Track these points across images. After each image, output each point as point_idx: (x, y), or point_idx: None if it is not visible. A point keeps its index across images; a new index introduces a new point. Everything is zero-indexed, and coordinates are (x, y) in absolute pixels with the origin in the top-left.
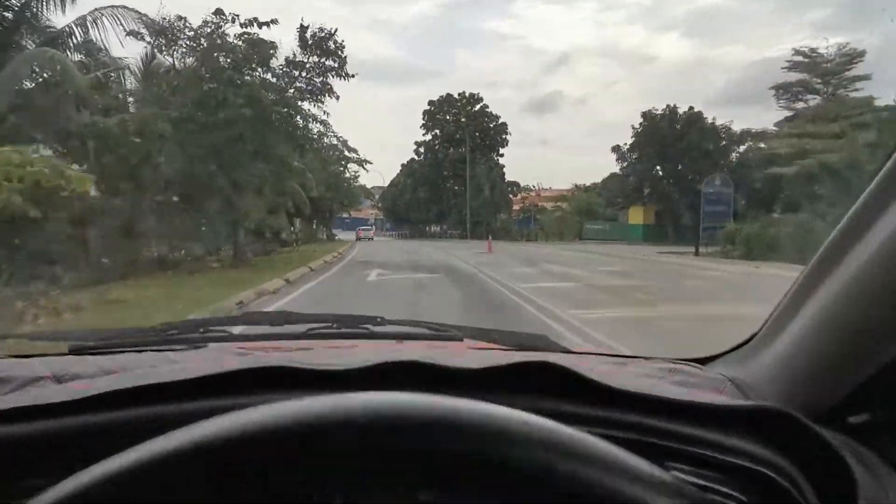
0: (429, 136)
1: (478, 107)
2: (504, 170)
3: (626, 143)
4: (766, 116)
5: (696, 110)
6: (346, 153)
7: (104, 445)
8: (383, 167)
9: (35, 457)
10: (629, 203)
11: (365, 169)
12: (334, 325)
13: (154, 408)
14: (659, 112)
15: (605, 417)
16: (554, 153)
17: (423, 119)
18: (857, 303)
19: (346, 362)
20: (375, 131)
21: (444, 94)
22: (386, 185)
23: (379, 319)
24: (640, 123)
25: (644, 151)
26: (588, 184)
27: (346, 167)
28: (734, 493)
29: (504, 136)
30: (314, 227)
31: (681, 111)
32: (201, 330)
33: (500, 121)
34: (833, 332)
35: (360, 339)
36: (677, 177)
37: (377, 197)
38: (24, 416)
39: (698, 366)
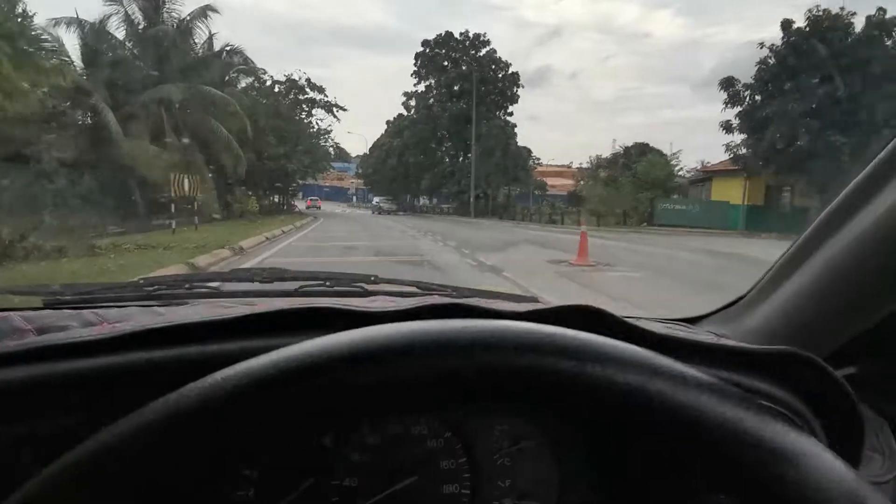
0: (422, 87)
1: (484, 51)
2: (516, 129)
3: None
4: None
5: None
6: (308, 91)
7: (134, 387)
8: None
9: (59, 396)
10: (746, 171)
11: (335, 117)
12: (327, 283)
13: (176, 349)
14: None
15: None
16: (544, 129)
17: (415, 64)
18: (845, 270)
19: (376, 306)
20: (364, 101)
21: (443, 32)
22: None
23: (373, 278)
24: (773, 47)
25: (781, 89)
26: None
27: (308, 111)
28: None
29: (515, 90)
30: (261, 195)
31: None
32: (186, 286)
33: (511, 69)
34: (821, 295)
35: (352, 297)
36: (842, 127)
37: (356, 160)
38: (51, 354)
39: (688, 325)
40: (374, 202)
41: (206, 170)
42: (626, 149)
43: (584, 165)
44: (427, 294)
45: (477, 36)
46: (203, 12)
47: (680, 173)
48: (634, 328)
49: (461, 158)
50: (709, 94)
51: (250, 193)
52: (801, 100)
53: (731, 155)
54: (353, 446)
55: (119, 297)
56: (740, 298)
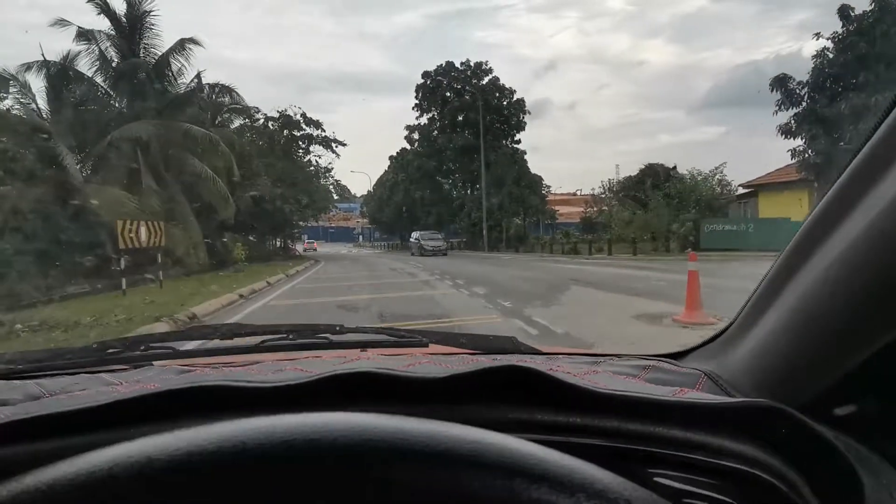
0: (424, 119)
1: (486, 79)
2: (526, 157)
3: (794, 79)
4: (752, 118)
5: None
6: (305, 127)
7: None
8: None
9: None
10: (818, 179)
11: (334, 152)
12: (290, 336)
13: (59, 440)
14: None
15: (583, 425)
16: (545, 159)
17: (416, 96)
18: (832, 293)
19: (293, 377)
20: (367, 144)
21: (444, 62)
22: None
23: (338, 328)
24: (836, 36)
25: (850, 81)
26: (582, 190)
27: (306, 148)
28: (726, 500)
29: (522, 117)
30: (256, 240)
31: None
32: (142, 347)
33: (516, 97)
34: (811, 322)
35: (318, 349)
36: None
37: (361, 199)
38: None
39: (672, 361)
40: (413, 238)
41: (191, 216)
42: (649, 167)
43: (596, 191)
44: (390, 346)
45: (479, 64)
46: (182, 45)
47: (727, 189)
48: (572, 388)
49: (469, 190)
50: (704, 116)
51: (237, 240)
52: (877, 90)
53: (799, 162)
54: None
55: (73, 364)
56: (726, 329)
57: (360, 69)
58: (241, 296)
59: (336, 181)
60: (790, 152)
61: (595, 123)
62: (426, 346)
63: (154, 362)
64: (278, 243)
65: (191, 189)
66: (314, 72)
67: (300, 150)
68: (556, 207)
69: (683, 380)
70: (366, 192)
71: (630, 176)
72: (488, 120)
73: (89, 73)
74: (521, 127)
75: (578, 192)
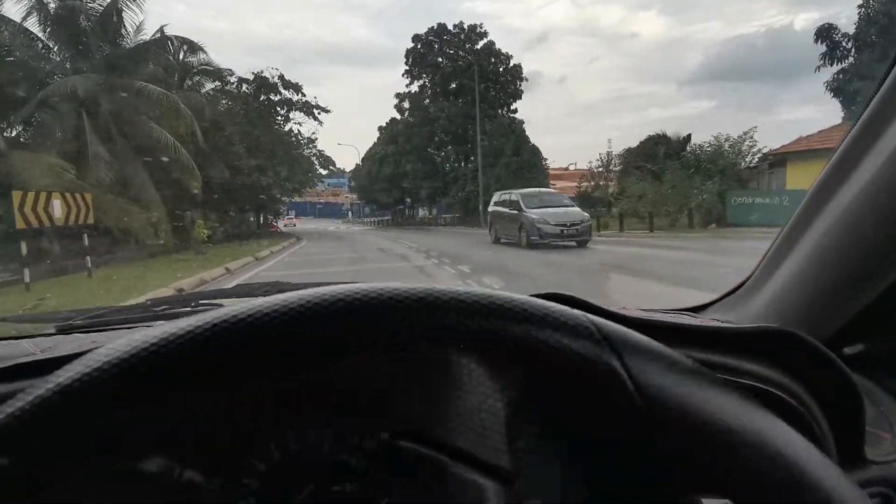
0: (415, 87)
1: (481, 43)
2: (524, 126)
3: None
4: (742, 92)
5: None
6: (283, 91)
7: None
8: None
9: None
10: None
11: (317, 119)
12: None
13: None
14: None
15: None
16: (535, 135)
17: (406, 62)
18: (842, 242)
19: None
20: (354, 118)
21: (435, 24)
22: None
23: None
24: None
25: None
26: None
27: (285, 115)
28: None
29: (519, 84)
30: (230, 216)
31: None
32: (192, 304)
33: (513, 62)
34: (821, 271)
35: None
36: None
37: (349, 174)
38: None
39: (692, 314)
40: (501, 207)
41: (151, 188)
42: (661, 135)
43: (593, 163)
44: None
45: (472, 27)
46: None
47: (759, 156)
48: (612, 313)
49: (464, 163)
50: (695, 90)
51: (201, 217)
52: None
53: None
54: (350, 451)
55: (127, 320)
56: (744, 282)
57: (347, 41)
58: (181, 290)
59: (320, 151)
60: (844, 113)
61: (585, 98)
62: None
63: None
64: (260, 219)
65: (150, 158)
66: (300, 43)
67: (279, 118)
68: (552, 182)
69: None
70: (354, 167)
71: (630, 148)
72: (483, 87)
73: (18, 18)
74: (517, 95)
75: (571, 167)
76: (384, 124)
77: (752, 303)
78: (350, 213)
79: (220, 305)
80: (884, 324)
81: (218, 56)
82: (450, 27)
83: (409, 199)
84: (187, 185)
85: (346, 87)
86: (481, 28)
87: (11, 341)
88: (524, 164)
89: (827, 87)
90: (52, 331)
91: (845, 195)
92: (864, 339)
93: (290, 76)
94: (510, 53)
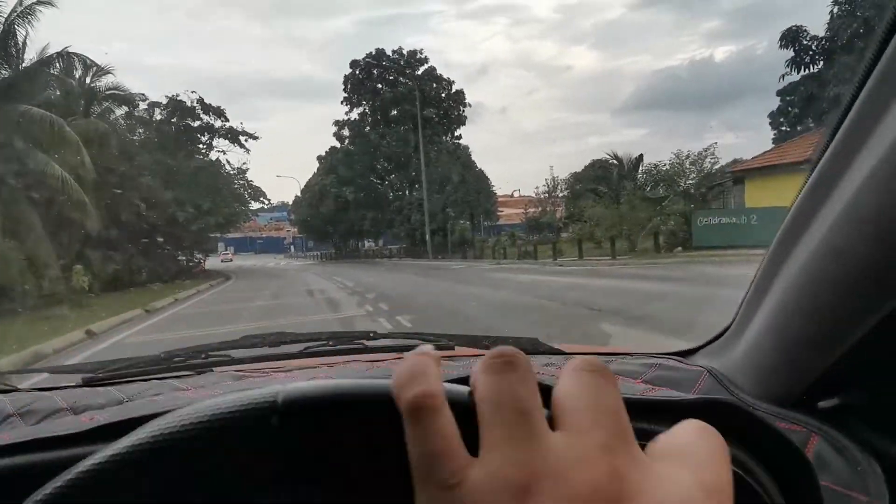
0: (355, 114)
1: (422, 69)
2: (470, 152)
3: (808, 32)
4: (673, 121)
5: None
6: (204, 116)
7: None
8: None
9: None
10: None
11: (242, 146)
12: (330, 342)
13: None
14: None
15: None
16: (479, 163)
17: (345, 88)
18: (812, 289)
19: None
20: (300, 151)
21: (374, 49)
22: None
23: (372, 334)
24: None
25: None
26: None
27: (208, 143)
28: None
29: (462, 110)
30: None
31: None
32: (203, 356)
33: (455, 87)
34: (794, 319)
35: (355, 353)
36: None
37: (290, 206)
38: (37, 447)
39: (680, 359)
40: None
41: (37, 227)
42: (612, 157)
43: (540, 188)
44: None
45: (413, 53)
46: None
47: (721, 172)
48: (548, 390)
49: (408, 191)
50: (628, 119)
51: (105, 259)
52: None
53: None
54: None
55: (145, 372)
56: (729, 326)
57: (291, 75)
58: None
59: (248, 181)
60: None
61: (526, 127)
62: (452, 349)
63: (214, 368)
64: (183, 259)
65: (37, 195)
66: (242, 77)
67: (201, 146)
68: (498, 209)
69: (688, 377)
70: (294, 199)
71: (576, 172)
72: (426, 113)
73: None
74: (461, 121)
75: (516, 194)
76: (324, 153)
77: (735, 349)
78: (292, 247)
79: (229, 357)
80: (860, 376)
81: (155, 92)
82: (388, 52)
83: (354, 231)
84: (80, 223)
85: (292, 120)
86: (421, 54)
87: (44, 392)
88: (471, 190)
89: (798, 96)
90: (79, 382)
91: (811, 239)
92: (840, 392)
93: (234, 110)
94: (452, 79)
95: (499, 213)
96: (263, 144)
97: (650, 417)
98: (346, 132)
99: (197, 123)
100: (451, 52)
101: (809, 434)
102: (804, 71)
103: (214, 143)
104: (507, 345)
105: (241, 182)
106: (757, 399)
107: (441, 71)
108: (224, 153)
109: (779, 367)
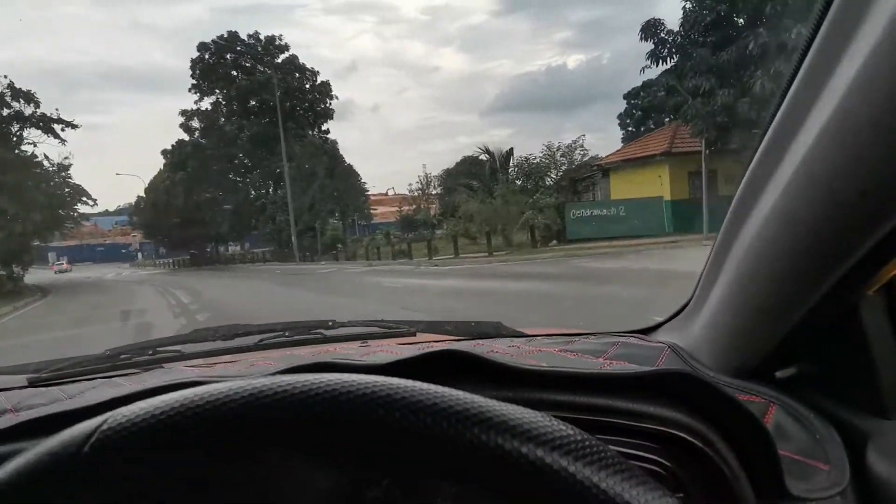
0: (206, 104)
1: (282, 57)
2: (338, 146)
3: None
4: (535, 122)
5: None
6: (12, 103)
7: None
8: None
9: None
10: (708, 145)
11: (58, 137)
12: (286, 334)
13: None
14: None
15: (515, 398)
16: (353, 161)
17: (192, 74)
18: (766, 256)
19: (268, 370)
20: (148, 148)
21: (226, 32)
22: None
23: (331, 323)
24: None
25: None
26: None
27: (17, 134)
28: (658, 459)
29: (329, 103)
30: None
31: None
32: (150, 352)
33: (320, 79)
34: (748, 291)
35: (312, 344)
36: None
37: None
38: None
39: (642, 336)
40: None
41: None
42: (484, 151)
43: (414, 186)
44: (379, 337)
45: (271, 39)
46: None
47: (591, 163)
48: (509, 369)
49: (273, 189)
50: (495, 119)
51: None
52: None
53: (690, 126)
54: None
55: (91, 371)
56: (688, 302)
57: (139, 64)
58: None
59: (64, 178)
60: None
61: (399, 125)
62: (413, 335)
63: (163, 365)
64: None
65: None
66: (82, 67)
67: (14, 138)
68: (372, 207)
69: (649, 352)
70: (136, 199)
71: (448, 169)
72: (289, 105)
73: None
74: (329, 114)
75: (391, 191)
76: (170, 147)
77: (694, 325)
78: (140, 254)
79: (179, 353)
80: (814, 345)
81: None
82: (243, 36)
83: (212, 234)
84: None
85: (141, 114)
86: (281, 40)
87: None
88: (339, 187)
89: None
90: (25, 383)
91: (762, 209)
92: (796, 362)
93: (72, 103)
94: (317, 70)
95: (374, 212)
96: (108, 140)
97: (611, 392)
98: (195, 124)
99: (7, 112)
100: (318, 47)
101: (768, 404)
102: (662, 65)
103: (25, 133)
104: (470, 329)
105: (59, 180)
106: (717, 372)
107: (309, 66)
108: (35, 145)
109: (736, 338)
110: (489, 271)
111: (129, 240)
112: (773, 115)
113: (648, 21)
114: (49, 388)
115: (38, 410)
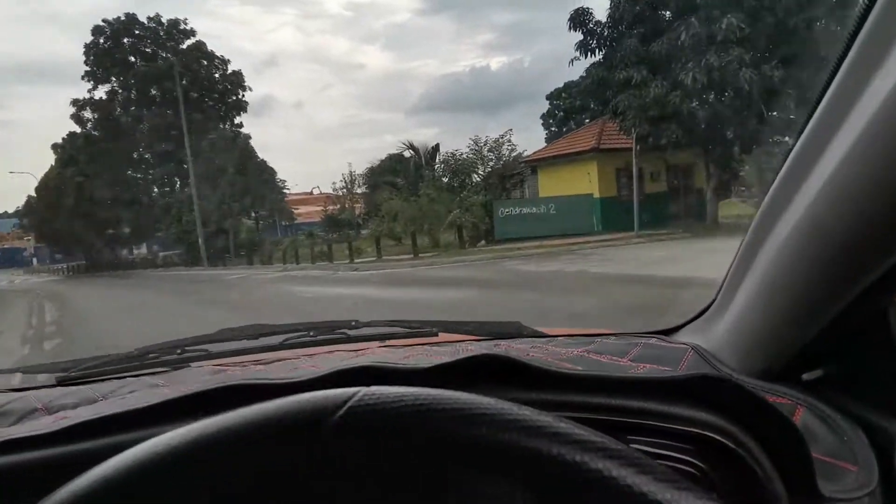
0: (101, 92)
1: (187, 43)
2: (251, 141)
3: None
4: (460, 122)
5: None
6: None
7: (75, 474)
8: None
9: (15, 486)
10: (639, 142)
11: None
12: (310, 333)
13: (125, 435)
14: None
15: (550, 401)
16: (276, 160)
17: (86, 60)
18: (793, 265)
19: (307, 374)
20: (45, 142)
21: (123, 14)
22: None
23: (354, 323)
24: None
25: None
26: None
27: None
28: (691, 460)
29: (242, 95)
30: None
31: None
32: (178, 351)
33: (231, 68)
34: (776, 295)
35: (336, 344)
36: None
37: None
38: (14, 447)
39: (664, 337)
40: None
41: None
42: (411, 147)
43: (338, 184)
44: (402, 336)
45: (174, 22)
46: None
47: (519, 160)
48: (546, 374)
49: (178, 186)
50: (420, 119)
51: None
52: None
53: (619, 121)
54: None
55: (120, 369)
56: (712, 302)
57: (44, 55)
58: None
59: None
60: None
61: (323, 122)
62: (436, 335)
63: (191, 364)
64: None
65: None
66: None
67: None
68: (295, 207)
69: (672, 354)
70: (25, 200)
71: (373, 167)
72: (197, 96)
73: None
74: (241, 107)
75: (315, 190)
76: (61, 140)
77: (718, 326)
78: (35, 259)
79: (206, 352)
80: (841, 348)
81: None
82: (142, 19)
83: (109, 236)
84: None
85: (44, 107)
86: (186, 24)
87: (18, 393)
88: (252, 183)
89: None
90: (53, 382)
91: (791, 218)
92: (822, 365)
93: None
94: (227, 58)
95: (298, 212)
96: (11, 138)
97: (642, 395)
98: (88, 114)
99: None
100: (234, 38)
101: (795, 406)
102: (591, 57)
103: None
104: (491, 329)
105: None
106: (742, 374)
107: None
108: None
109: (762, 341)
110: (413, 277)
111: (25, 244)
112: (805, 125)
113: (577, 10)
114: (79, 386)
115: (84, 411)
